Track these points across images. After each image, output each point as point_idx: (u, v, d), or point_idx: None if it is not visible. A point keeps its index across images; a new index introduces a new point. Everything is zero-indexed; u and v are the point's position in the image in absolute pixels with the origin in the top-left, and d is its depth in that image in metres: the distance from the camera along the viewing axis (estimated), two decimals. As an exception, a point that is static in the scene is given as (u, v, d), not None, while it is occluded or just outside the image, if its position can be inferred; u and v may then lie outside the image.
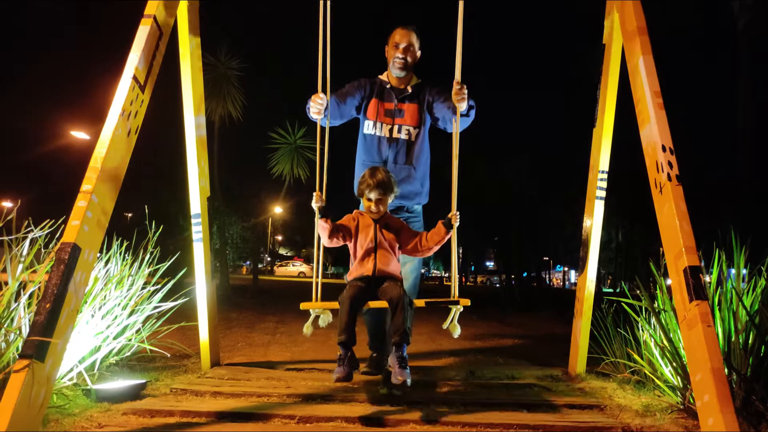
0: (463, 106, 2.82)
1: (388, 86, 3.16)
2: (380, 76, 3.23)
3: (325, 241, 2.70)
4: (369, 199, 2.69)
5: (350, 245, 2.76)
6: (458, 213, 2.66)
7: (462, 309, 2.63)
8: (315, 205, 2.63)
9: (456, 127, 2.85)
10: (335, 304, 2.56)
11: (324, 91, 2.82)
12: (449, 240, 2.67)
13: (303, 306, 2.62)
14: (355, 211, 2.83)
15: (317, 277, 2.67)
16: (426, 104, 3.14)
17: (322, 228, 2.64)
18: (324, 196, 2.67)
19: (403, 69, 3.12)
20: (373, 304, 2.60)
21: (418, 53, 3.18)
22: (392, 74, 3.17)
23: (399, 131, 3.10)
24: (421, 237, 2.73)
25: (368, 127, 3.12)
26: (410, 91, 3.15)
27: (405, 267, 3.00)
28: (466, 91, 2.78)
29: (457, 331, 2.66)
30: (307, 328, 2.66)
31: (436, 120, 3.15)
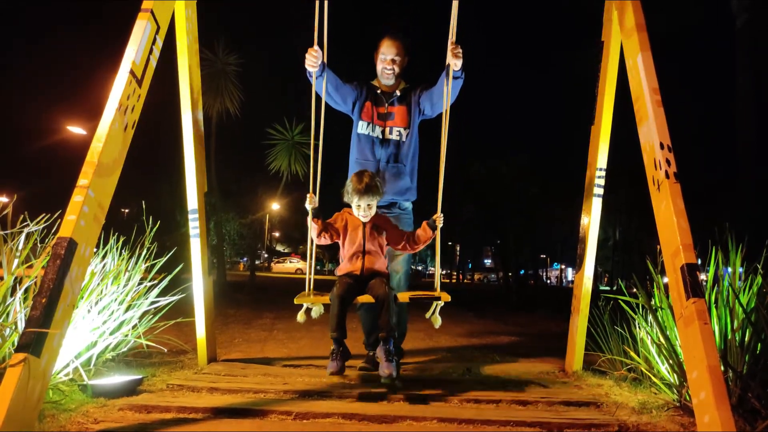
0: (458, 65, 2.95)
1: (378, 91, 3.36)
2: (372, 82, 3.42)
3: (316, 241, 2.93)
4: (358, 206, 2.89)
5: (339, 242, 2.97)
6: (442, 215, 2.87)
7: (443, 303, 2.86)
8: (308, 206, 2.84)
9: (447, 89, 2.96)
10: (327, 299, 2.80)
11: (320, 45, 2.96)
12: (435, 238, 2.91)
13: (297, 300, 2.83)
14: (344, 210, 3.02)
15: (310, 272, 2.96)
16: (414, 104, 3.33)
17: (312, 228, 2.86)
18: (317, 198, 2.87)
19: (391, 78, 3.33)
20: (362, 299, 2.82)
21: (406, 59, 3.36)
22: (381, 82, 3.37)
23: (390, 133, 3.30)
24: (408, 237, 2.96)
25: (362, 128, 3.30)
26: (399, 94, 3.35)
27: (395, 261, 3.26)
28: (461, 50, 2.92)
29: (438, 323, 2.91)
30: (301, 316, 2.89)
31: (426, 107, 3.32)
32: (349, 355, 2.77)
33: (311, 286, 2.93)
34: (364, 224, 2.93)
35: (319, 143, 2.96)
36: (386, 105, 3.32)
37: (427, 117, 3.40)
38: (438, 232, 2.91)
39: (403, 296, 2.87)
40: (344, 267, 2.95)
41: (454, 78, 3.01)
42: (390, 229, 2.99)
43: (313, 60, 2.96)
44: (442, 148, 2.93)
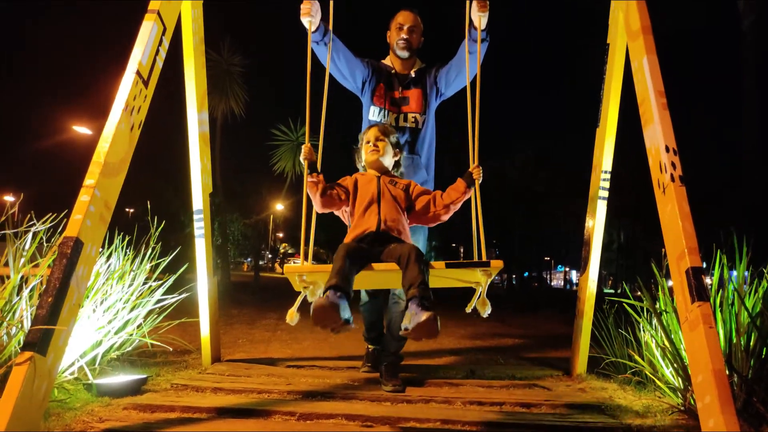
0: (484, 20, 2.67)
1: (392, 71, 3.11)
2: (383, 61, 3.17)
3: (317, 204, 2.33)
4: (368, 142, 2.53)
5: (347, 209, 2.41)
6: (480, 168, 2.35)
7: (493, 277, 2.10)
8: (303, 158, 2.30)
9: (478, 49, 2.64)
10: (328, 268, 2.02)
11: None
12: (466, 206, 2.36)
13: (287, 270, 2.09)
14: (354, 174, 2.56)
15: (306, 239, 2.24)
16: (430, 86, 3.09)
17: (311, 184, 2.26)
18: (316, 154, 2.33)
19: (407, 50, 3.07)
20: (378, 266, 2.07)
21: (422, 37, 3.14)
22: (396, 57, 3.13)
23: (405, 119, 3.05)
24: (435, 195, 2.39)
25: (374, 114, 3.06)
26: (414, 75, 3.10)
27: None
28: (488, 2, 2.65)
29: (487, 309, 2.08)
30: (291, 315, 2.09)
31: (443, 84, 3.08)
32: (351, 295, 1.95)
33: (308, 257, 2.24)
34: (379, 177, 2.44)
35: (326, 82, 2.57)
36: (400, 88, 3.08)
37: (445, 97, 3.16)
38: (477, 189, 2.35)
39: (438, 263, 2.08)
40: (354, 227, 2.31)
41: (480, 41, 2.68)
42: (410, 186, 2.47)
43: (308, 7, 2.62)
44: (476, 73, 2.57)
